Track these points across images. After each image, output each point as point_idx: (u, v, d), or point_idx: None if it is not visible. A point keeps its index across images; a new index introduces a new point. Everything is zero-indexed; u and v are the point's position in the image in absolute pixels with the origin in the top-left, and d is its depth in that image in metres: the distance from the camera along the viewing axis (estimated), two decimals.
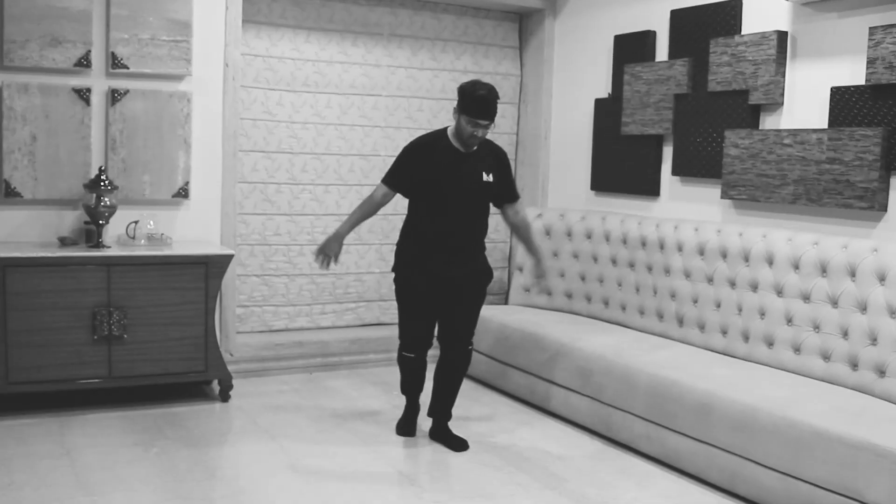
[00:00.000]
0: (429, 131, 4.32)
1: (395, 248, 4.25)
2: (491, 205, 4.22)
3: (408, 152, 4.12)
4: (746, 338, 4.32)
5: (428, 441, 4.27)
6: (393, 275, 4.22)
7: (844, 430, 3.25)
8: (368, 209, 4.15)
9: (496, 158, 4.17)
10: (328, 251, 4.09)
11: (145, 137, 4.85)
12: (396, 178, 4.11)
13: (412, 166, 4.06)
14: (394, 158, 5.79)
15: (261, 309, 5.60)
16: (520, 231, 4.40)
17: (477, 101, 3.91)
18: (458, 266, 4.08)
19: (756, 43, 4.45)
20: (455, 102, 4.02)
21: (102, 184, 4.54)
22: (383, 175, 4.17)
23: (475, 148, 4.05)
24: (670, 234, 4.80)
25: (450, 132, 4.09)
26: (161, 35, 4.81)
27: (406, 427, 4.34)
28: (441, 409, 4.27)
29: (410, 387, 4.34)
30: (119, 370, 4.47)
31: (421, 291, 4.08)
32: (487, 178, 4.08)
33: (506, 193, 4.24)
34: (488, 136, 4.12)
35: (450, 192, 4.02)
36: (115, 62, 4.73)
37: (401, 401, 4.50)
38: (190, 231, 5.05)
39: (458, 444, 4.18)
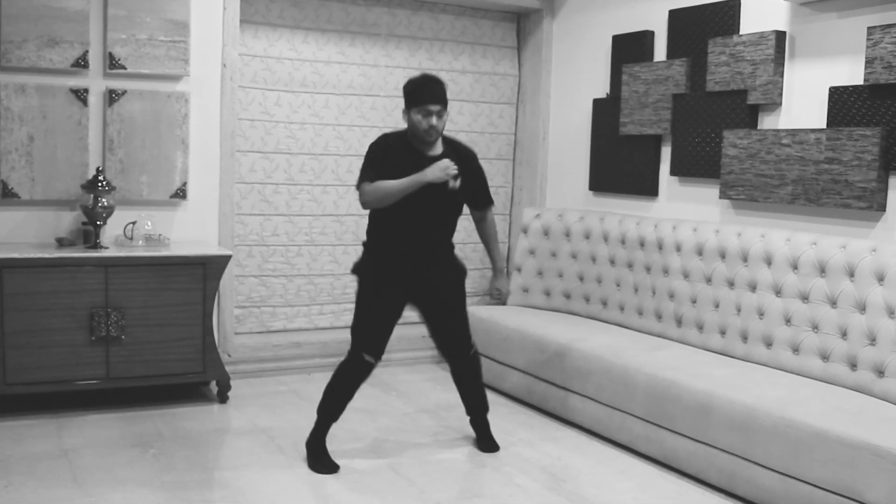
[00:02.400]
0: (385, 133, 4.00)
1: (361, 253, 3.98)
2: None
3: (375, 150, 3.79)
4: (745, 338, 4.31)
5: (427, 442, 4.26)
6: (358, 282, 3.90)
7: (843, 431, 3.25)
8: (384, 181, 3.72)
9: (464, 162, 3.84)
10: (442, 168, 3.68)
11: (143, 138, 4.84)
12: (375, 172, 3.71)
13: (381, 167, 3.72)
14: None
15: (259, 310, 5.59)
16: (484, 237, 4.15)
17: (420, 85, 3.70)
18: (427, 267, 3.86)
19: (754, 43, 4.45)
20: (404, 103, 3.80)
21: (100, 184, 4.53)
22: (358, 179, 3.77)
23: (440, 151, 3.79)
24: (669, 234, 4.79)
25: (407, 134, 3.83)
26: (159, 35, 4.81)
27: (325, 459, 3.83)
28: (478, 406, 4.21)
29: (339, 405, 3.85)
30: (117, 371, 4.46)
31: (390, 288, 3.81)
32: (454, 184, 3.73)
33: (478, 199, 4.02)
34: (461, 141, 3.94)
35: (415, 198, 3.68)
36: (112, 62, 4.73)
37: (402, 402, 4.45)
38: (188, 232, 5.04)
39: (487, 446, 4.16)
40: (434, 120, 3.68)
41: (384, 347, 3.86)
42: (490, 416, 4.71)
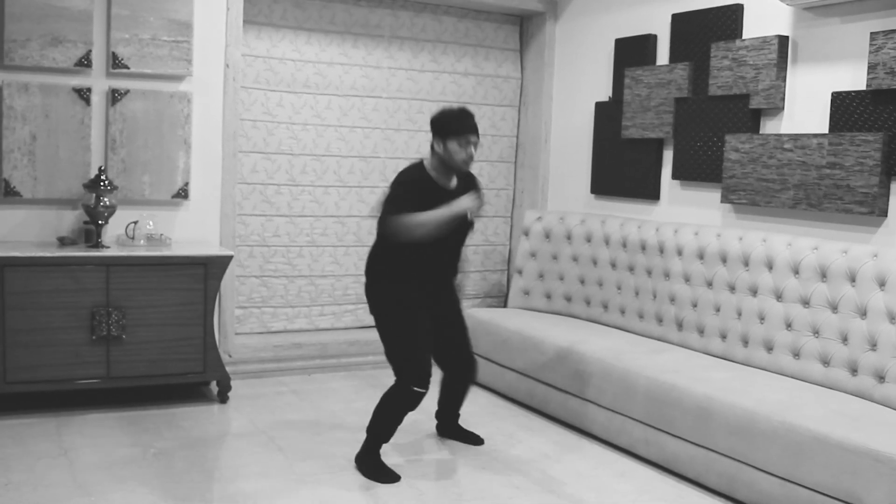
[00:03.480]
0: (405, 168, 3.93)
1: (369, 286, 3.92)
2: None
3: (409, 185, 3.74)
4: (746, 342, 4.31)
5: (427, 444, 4.26)
6: (383, 312, 3.86)
7: (844, 436, 3.24)
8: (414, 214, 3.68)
9: (472, 187, 3.91)
10: (472, 201, 3.72)
11: (145, 138, 4.85)
12: (410, 208, 3.64)
13: (415, 200, 3.67)
14: (394, 161, 5.88)
15: (259, 310, 5.60)
16: None
17: (460, 118, 3.76)
18: (440, 292, 4.00)
19: (757, 47, 4.45)
20: (431, 136, 3.78)
21: (102, 184, 4.54)
22: (384, 212, 3.67)
23: (455, 183, 3.83)
24: (670, 237, 4.80)
25: (428, 167, 3.81)
26: (162, 35, 4.81)
27: (387, 469, 3.83)
28: (452, 411, 4.33)
29: (392, 430, 3.88)
30: (117, 370, 4.46)
31: (419, 311, 3.84)
32: (470, 217, 3.77)
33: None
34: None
35: (440, 234, 3.68)
36: (115, 62, 4.73)
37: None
38: (189, 232, 5.04)
39: (476, 439, 4.28)
40: (472, 150, 3.77)
41: (431, 372, 3.81)
42: (490, 419, 4.72)
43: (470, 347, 4.15)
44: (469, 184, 3.93)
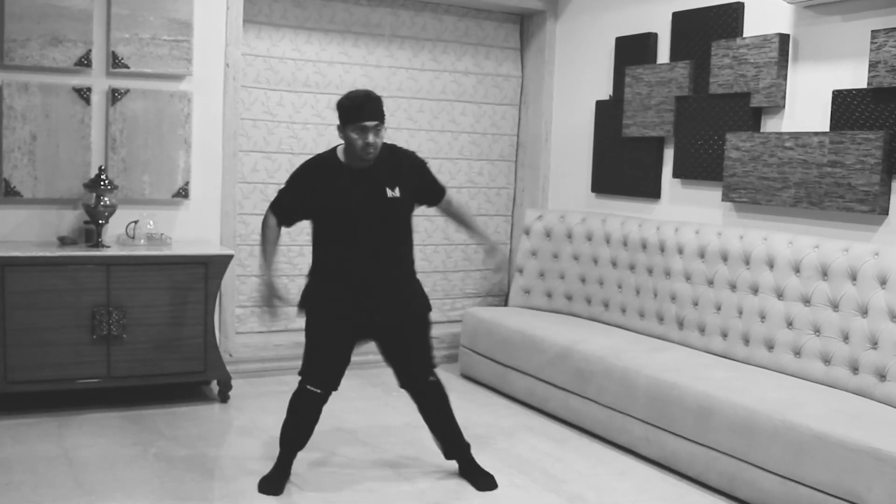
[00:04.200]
0: (322, 152, 3.73)
1: (304, 282, 3.71)
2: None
3: (294, 178, 3.60)
4: (747, 341, 4.31)
5: (428, 442, 4.25)
6: (302, 309, 3.63)
7: (844, 434, 3.24)
8: (274, 240, 3.67)
9: (403, 165, 3.61)
10: (272, 304, 3.64)
11: (145, 137, 4.85)
12: (283, 210, 3.62)
13: (301, 194, 3.56)
14: None
15: (260, 309, 5.59)
16: (458, 219, 3.87)
17: (355, 101, 3.42)
18: (386, 305, 3.56)
19: (758, 45, 4.45)
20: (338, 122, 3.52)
21: (102, 183, 4.53)
22: (272, 200, 3.66)
23: (373, 164, 3.51)
24: (671, 236, 4.79)
25: (339, 151, 3.56)
26: (162, 35, 4.81)
27: (274, 483, 3.58)
28: (453, 443, 3.81)
29: (295, 435, 3.60)
30: (118, 370, 4.46)
31: (339, 328, 3.55)
32: (393, 193, 3.50)
33: (430, 195, 3.74)
34: (396, 145, 3.71)
35: (351, 219, 3.47)
36: (115, 62, 4.73)
37: (402, 403, 4.45)
38: (190, 231, 5.04)
39: (485, 483, 3.72)
40: (371, 137, 3.41)
41: (335, 379, 3.58)
42: (491, 417, 4.71)
43: (426, 371, 3.71)
44: (399, 160, 3.61)
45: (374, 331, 3.63)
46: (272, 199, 3.71)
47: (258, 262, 3.59)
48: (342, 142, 3.54)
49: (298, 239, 5.64)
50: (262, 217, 5.42)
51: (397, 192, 3.53)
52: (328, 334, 3.56)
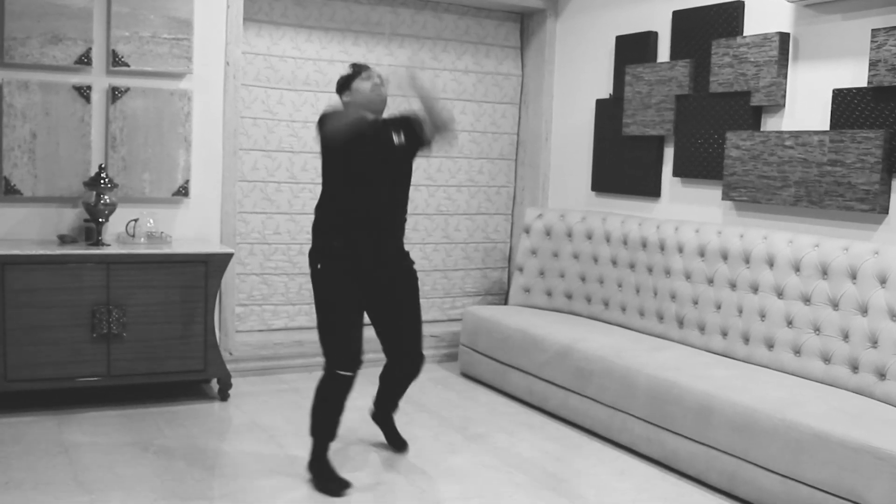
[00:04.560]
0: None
1: (311, 230, 3.79)
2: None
3: (333, 111, 3.70)
4: (747, 339, 4.31)
5: (427, 441, 4.25)
6: (311, 269, 3.69)
7: (844, 433, 3.24)
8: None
9: (399, 116, 3.80)
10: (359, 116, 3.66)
11: (145, 135, 4.85)
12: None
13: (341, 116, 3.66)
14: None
15: (260, 308, 5.59)
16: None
17: (353, 65, 3.77)
18: (386, 261, 3.73)
19: (758, 44, 4.45)
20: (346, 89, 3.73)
21: (102, 182, 4.53)
22: (328, 124, 3.61)
23: (381, 113, 3.75)
24: (671, 235, 4.79)
25: (347, 111, 3.69)
26: (162, 33, 4.81)
27: (333, 482, 3.58)
28: (391, 409, 4.10)
29: (331, 424, 3.63)
30: (118, 368, 4.46)
31: (354, 291, 3.65)
32: (399, 139, 3.70)
33: (420, 138, 3.76)
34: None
35: (366, 159, 3.61)
36: (115, 60, 4.73)
37: (402, 401, 4.40)
38: (190, 229, 5.04)
39: (400, 445, 4.05)
40: (376, 79, 3.69)
41: (360, 356, 3.63)
42: (491, 416, 4.72)
43: (418, 341, 3.89)
44: (396, 114, 3.80)
45: (371, 290, 3.71)
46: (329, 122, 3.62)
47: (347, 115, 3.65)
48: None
49: (299, 237, 5.64)
50: (261, 216, 5.48)
51: (402, 138, 3.70)
52: (341, 306, 3.63)
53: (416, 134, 3.75)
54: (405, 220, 3.86)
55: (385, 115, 3.80)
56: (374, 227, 3.69)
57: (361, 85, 3.70)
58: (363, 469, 3.86)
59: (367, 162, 3.63)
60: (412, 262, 3.90)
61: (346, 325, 3.63)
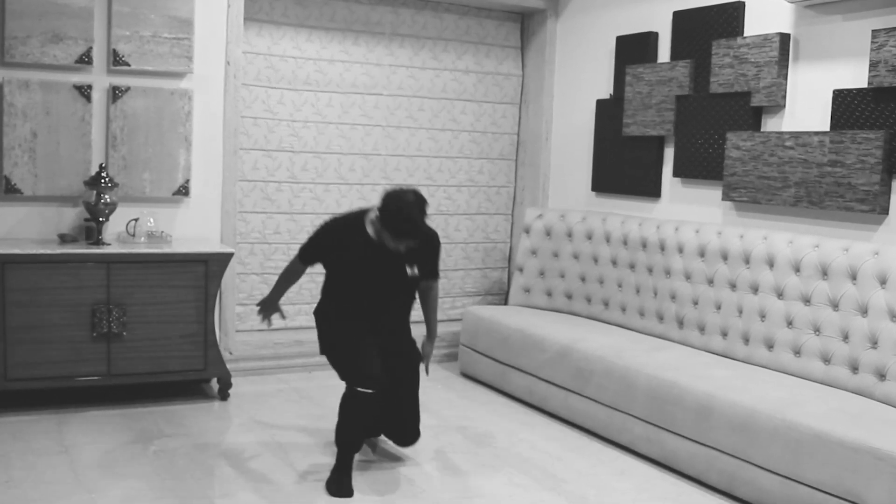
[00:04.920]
0: (347, 212, 3.87)
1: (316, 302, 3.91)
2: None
3: (323, 233, 3.76)
4: (746, 340, 4.31)
5: (428, 441, 4.25)
6: (316, 319, 3.86)
7: (844, 433, 3.24)
8: (292, 279, 3.92)
9: (425, 247, 3.74)
10: (267, 313, 3.98)
11: (146, 135, 4.85)
12: (309, 254, 3.81)
13: (326, 248, 3.76)
14: (395, 158, 5.88)
15: (258, 311, 5.58)
16: (424, 303, 3.97)
17: (399, 221, 3.50)
18: (386, 334, 3.79)
19: (758, 45, 4.45)
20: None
21: (103, 181, 4.53)
22: (301, 247, 3.85)
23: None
24: (671, 235, 4.79)
25: (367, 224, 3.65)
26: (163, 32, 4.81)
27: (342, 484, 3.58)
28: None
29: (351, 439, 3.61)
30: (118, 368, 4.46)
31: (362, 328, 3.71)
32: (412, 272, 3.72)
33: (425, 270, 3.85)
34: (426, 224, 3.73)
35: (367, 284, 3.69)
36: (116, 59, 4.73)
37: None
38: (190, 229, 5.04)
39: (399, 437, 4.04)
40: (403, 247, 3.58)
41: (380, 373, 3.61)
42: (491, 416, 4.72)
43: (416, 420, 3.92)
44: (424, 244, 3.71)
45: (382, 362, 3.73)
46: (301, 248, 3.88)
47: (267, 287, 3.88)
48: (370, 215, 3.66)
49: (299, 237, 5.64)
50: (261, 215, 5.49)
51: (416, 271, 3.75)
52: (353, 333, 3.71)
53: (429, 269, 3.87)
54: (406, 315, 3.91)
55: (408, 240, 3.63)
56: (376, 319, 3.77)
57: (388, 239, 3.55)
58: (363, 469, 3.86)
59: (371, 278, 3.69)
60: (415, 342, 3.96)
61: (360, 345, 3.69)
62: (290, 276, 3.95)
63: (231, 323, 5.21)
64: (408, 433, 3.94)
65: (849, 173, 4.00)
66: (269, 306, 3.99)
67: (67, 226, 4.73)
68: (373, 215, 3.65)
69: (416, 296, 3.93)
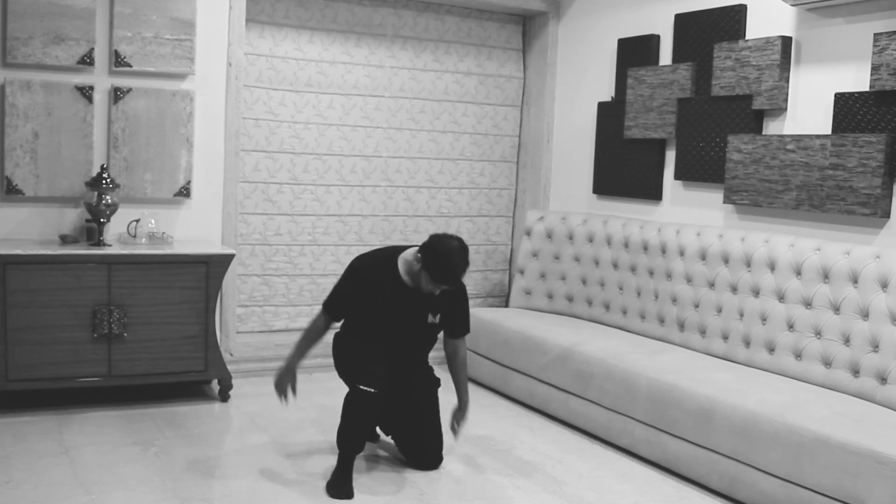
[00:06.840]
0: (378, 249, 3.95)
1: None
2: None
3: (351, 277, 3.79)
4: (747, 343, 4.31)
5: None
6: (333, 343, 3.90)
7: (845, 437, 3.24)
8: (314, 337, 3.87)
9: (450, 296, 3.78)
10: (283, 387, 3.84)
11: (147, 136, 4.85)
12: (335, 306, 3.83)
13: (352, 291, 3.77)
14: (396, 160, 5.88)
15: (261, 309, 5.59)
16: (453, 368, 3.98)
17: (446, 270, 3.56)
18: (403, 369, 3.85)
19: (760, 48, 4.45)
20: (420, 254, 3.63)
21: (104, 182, 4.54)
22: (327, 298, 3.88)
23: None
24: (672, 238, 4.79)
25: (400, 263, 3.73)
26: (164, 34, 4.81)
27: (342, 487, 3.57)
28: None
29: (351, 438, 3.60)
30: (119, 369, 4.46)
31: (372, 345, 3.76)
32: (433, 319, 3.78)
33: (454, 328, 3.90)
34: None
35: (388, 327, 3.74)
36: (118, 60, 4.73)
37: None
38: (191, 230, 5.04)
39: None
40: (439, 291, 3.66)
41: (385, 375, 3.65)
42: (491, 419, 4.72)
43: (438, 442, 3.94)
44: (450, 292, 3.75)
45: (397, 387, 3.77)
46: (326, 300, 3.89)
47: (292, 352, 3.91)
48: (406, 254, 3.74)
49: (300, 239, 5.64)
50: (262, 217, 5.49)
51: (437, 319, 3.80)
52: (364, 345, 3.76)
53: (460, 325, 3.91)
54: (426, 354, 3.98)
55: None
56: (393, 358, 3.79)
57: (425, 282, 3.60)
58: (363, 470, 3.86)
59: (394, 322, 3.75)
60: (432, 369, 4.03)
61: (366, 348, 3.74)
62: (312, 335, 3.87)
63: (232, 324, 5.21)
64: (428, 457, 3.91)
65: (850, 177, 4.00)
66: (285, 377, 3.84)
67: (69, 227, 4.73)
68: (409, 255, 3.72)
69: (437, 345, 3.98)
